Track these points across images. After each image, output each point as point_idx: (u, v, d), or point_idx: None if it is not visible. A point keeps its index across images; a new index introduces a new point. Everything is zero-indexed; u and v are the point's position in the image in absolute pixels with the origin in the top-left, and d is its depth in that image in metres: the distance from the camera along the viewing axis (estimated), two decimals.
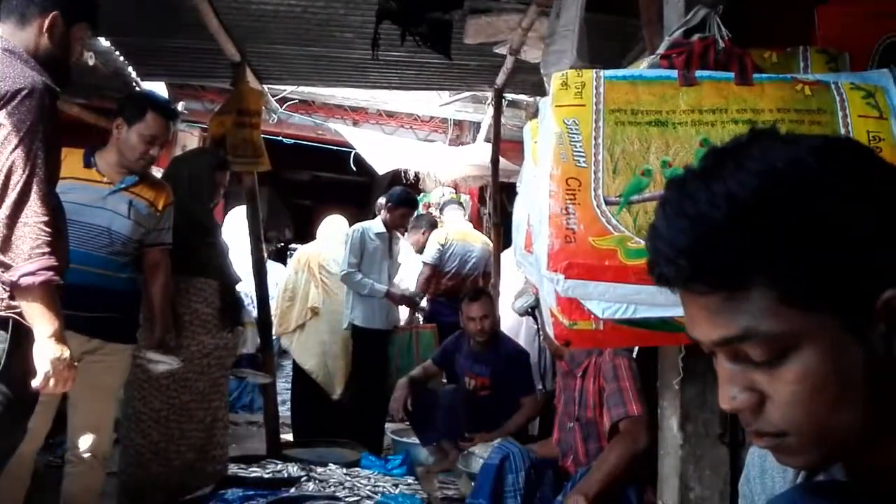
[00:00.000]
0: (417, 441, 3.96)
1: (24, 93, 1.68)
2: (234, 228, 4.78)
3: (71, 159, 2.56)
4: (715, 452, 1.67)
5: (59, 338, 1.73)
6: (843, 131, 1.37)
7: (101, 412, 2.62)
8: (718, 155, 0.65)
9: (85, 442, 2.55)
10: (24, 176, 1.67)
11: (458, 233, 5.10)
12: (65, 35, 1.89)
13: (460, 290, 4.75)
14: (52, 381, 1.72)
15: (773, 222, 0.59)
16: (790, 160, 0.62)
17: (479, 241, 5.14)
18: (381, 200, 5.19)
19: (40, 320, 1.70)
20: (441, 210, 5.69)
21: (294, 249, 6.29)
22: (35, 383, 1.71)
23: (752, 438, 0.68)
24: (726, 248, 0.60)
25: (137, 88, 4.56)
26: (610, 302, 1.35)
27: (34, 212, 1.68)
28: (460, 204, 5.71)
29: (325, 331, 4.74)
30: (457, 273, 4.94)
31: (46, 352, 1.71)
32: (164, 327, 2.86)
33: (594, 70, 1.46)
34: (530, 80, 3.99)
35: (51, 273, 1.68)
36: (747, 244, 0.60)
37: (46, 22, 1.84)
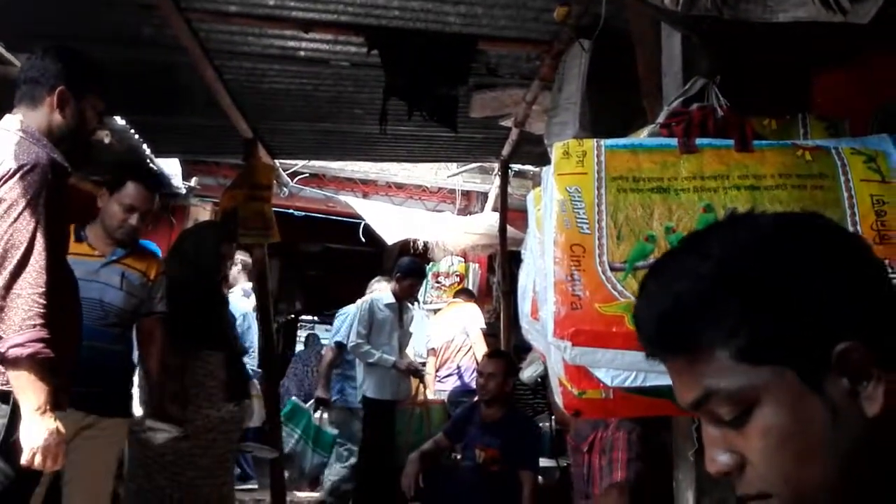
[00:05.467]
0: None
1: (26, 168, 1.70)
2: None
3: None
4: None
5: (48, 412, 1.68)
6: (845, 195, 1.37)
7: (98, 491, 2.56)
8: (693, 236, 0.75)
9: None
10: (22, 248, 1.67)
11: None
12: (76, 108, 1.92)
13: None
14: (39, 458, 1.67)
15: (723, 288, 0.65)
16: (742, 235, 0.69)
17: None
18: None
19: (28, 393, 1.66)
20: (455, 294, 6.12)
21: (306, 321, 6.28)
22: (22, 460, 1.66)
23: None
24: (683, 314, 0.67)
25: (151, 164, 4.68)
26: (619, 370, 1.32)
27: (29, 283, 1.66)
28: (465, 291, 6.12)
29: None
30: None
31: (34, 426, 1.66)
32: (162, 395, 2.79)
33: (595, 139, 1.48)
34: (535, 150, 4.06)
35: (40, 345, 1.65)
36: (700, 310, 0.66)
37: (55, 98, 1.88)
